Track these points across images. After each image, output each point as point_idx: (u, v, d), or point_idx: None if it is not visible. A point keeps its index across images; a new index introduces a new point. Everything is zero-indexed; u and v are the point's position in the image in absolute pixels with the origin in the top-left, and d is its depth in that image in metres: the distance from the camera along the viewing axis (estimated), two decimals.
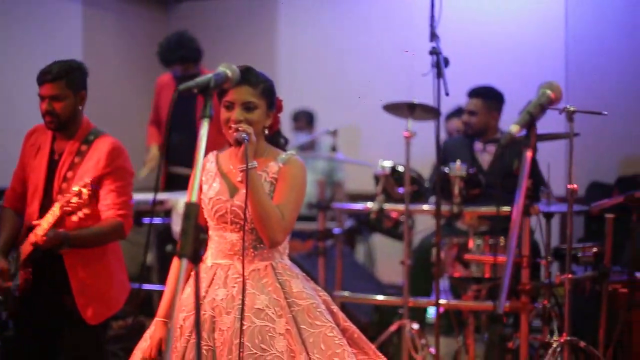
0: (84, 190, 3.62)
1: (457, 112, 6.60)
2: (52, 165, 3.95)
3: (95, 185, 3.80)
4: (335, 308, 3.28)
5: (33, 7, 7.06)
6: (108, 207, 3.85)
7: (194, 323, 3.04)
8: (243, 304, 3.05)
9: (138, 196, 5.04)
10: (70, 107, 3.90)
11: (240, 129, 3.06)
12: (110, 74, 7.52)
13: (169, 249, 5.11)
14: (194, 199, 2.21)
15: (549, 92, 2.41)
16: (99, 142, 3.92)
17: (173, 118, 5.71)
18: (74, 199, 3.63)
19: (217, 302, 3.13)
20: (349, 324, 3.27)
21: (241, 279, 3.11)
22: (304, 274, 3.29)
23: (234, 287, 3.12)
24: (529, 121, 2.33)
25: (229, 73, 2.75)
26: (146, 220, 5.11)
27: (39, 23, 7.10)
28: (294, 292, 3.15)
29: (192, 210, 2.14)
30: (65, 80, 3.86)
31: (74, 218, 3.67)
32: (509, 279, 2.25)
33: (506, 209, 4.83)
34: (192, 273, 3.25)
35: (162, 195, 5.09)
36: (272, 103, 3.22)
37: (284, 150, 3.32)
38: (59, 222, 3.73)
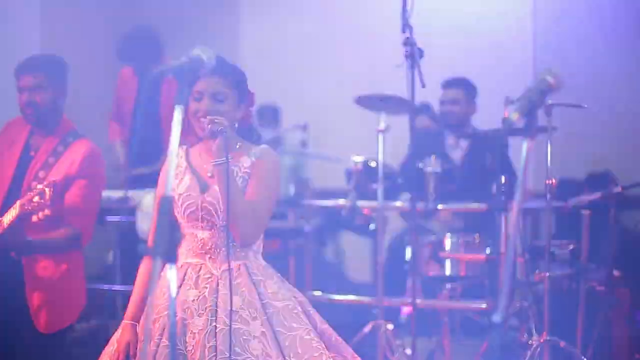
0: (47, 190, 3.42)
1: (423, 109, 6.42)
2: (25, 161, 3.82)
3: (62, 187, 3.63)
4: (312, 310, 3.16)
5: None
6: (70, 212, 3.68)
7: (164, 326, 2.90)
8: (232, 304, 2.90)
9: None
10: (50, 100, 3.80)
11: (216, 121, 2.93)
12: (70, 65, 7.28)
13: (141, 249, 4.96)
14: (168, 192, 2.04)
15: (548, 77, 2.27)
16: (77, 145, 3.80)
17: (137, 112, 5.55)
18: (36, 198, 3.43)
19: (189, 303, 2.98)
20: (326, 327, 3.15)
21: (213, 279, 2.99)
22: (279, 275, 3.17)
23: (206, 287, 2.99)
24: (530, 109, 2.18)
25: (204, 58, 2.55)
26: (110, 218, 4.94)
27: None
28: (269, 293, 3.03)
29: (166, 205, 1.97)
30: (46, 72, 3.77)
31: (34, 218, 3.46)
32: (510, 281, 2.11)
33: (482, 205, 4.73)
34: (162, 273, 3.11)
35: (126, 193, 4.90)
36: (244, 95, 3.12)
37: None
38: (22, 221, 3.51)
